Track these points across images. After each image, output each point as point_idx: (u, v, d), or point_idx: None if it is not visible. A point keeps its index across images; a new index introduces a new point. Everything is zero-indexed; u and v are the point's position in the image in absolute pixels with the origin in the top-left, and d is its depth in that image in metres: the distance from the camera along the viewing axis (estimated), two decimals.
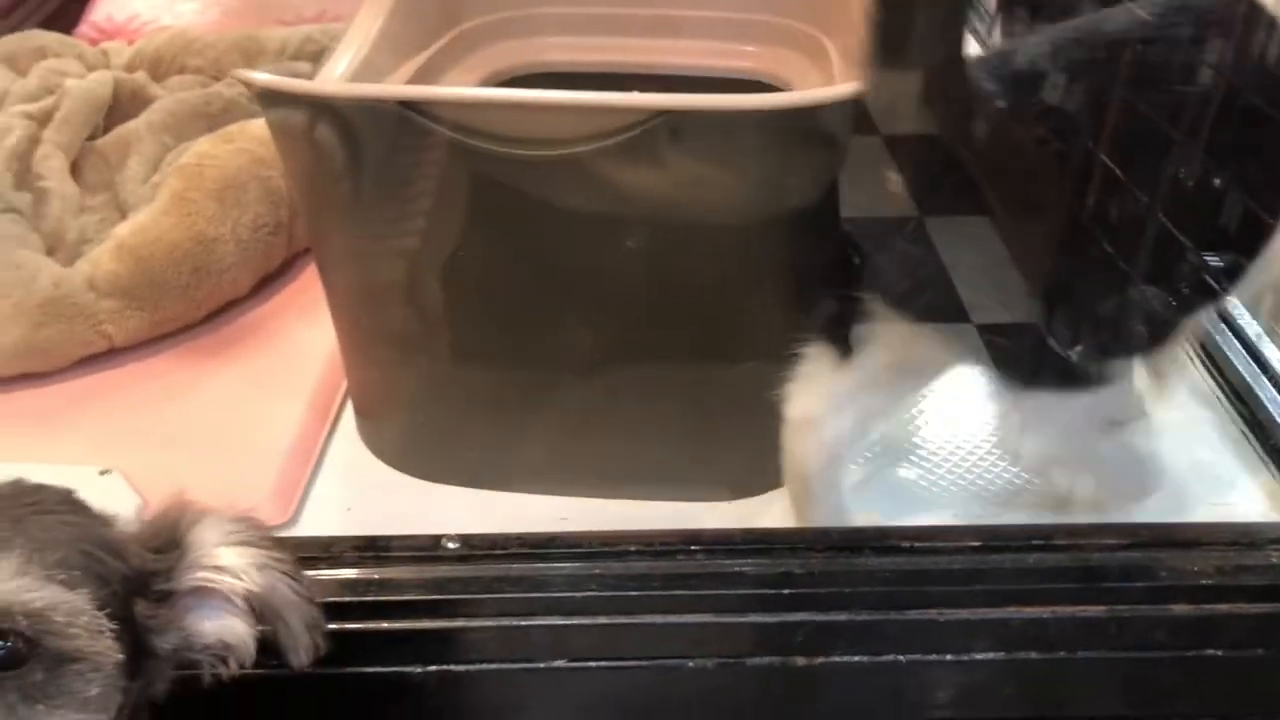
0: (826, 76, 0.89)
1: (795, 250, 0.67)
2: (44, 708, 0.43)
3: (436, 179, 0.63)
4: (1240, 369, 0.83)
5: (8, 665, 0.42)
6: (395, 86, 0.72)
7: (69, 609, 0.43)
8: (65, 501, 0.49)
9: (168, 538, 0.50)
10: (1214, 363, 0.85)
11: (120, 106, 1.04)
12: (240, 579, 0.50)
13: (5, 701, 0.42)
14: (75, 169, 0.97)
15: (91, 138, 1.00)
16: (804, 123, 0.62)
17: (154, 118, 1.01)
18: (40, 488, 0.49)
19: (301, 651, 0.52)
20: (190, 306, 0.85)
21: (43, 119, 0.98)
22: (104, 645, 0.44)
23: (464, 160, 0.60)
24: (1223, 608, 0.63)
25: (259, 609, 0.50)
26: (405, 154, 0.62)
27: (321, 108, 0.61)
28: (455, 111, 0.58)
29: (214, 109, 1.03)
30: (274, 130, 0.68)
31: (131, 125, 1.01)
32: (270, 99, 0.64)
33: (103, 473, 0.72)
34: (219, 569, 0.50)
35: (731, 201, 0.64)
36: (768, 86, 0.93)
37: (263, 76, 0.63)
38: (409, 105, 0.58)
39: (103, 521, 0.49)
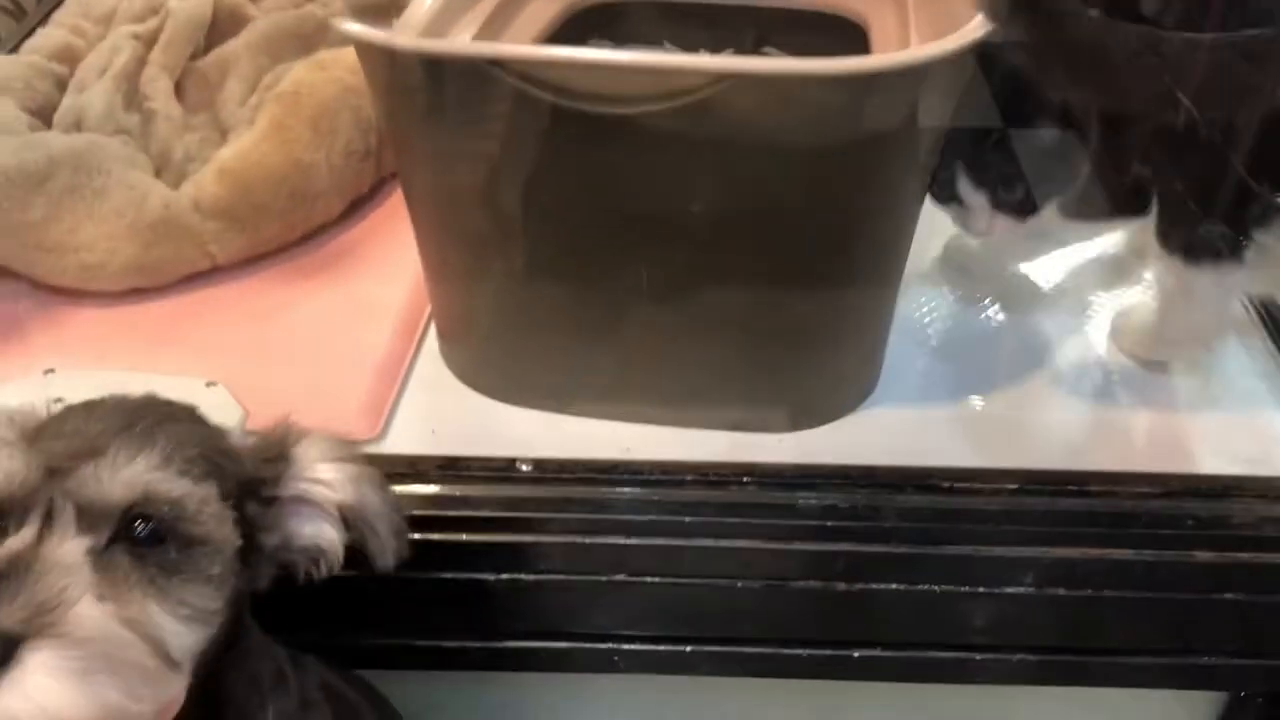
0: (902, 17, 0.91)
1: (864, 201, 0.70)
2: (178, 580, 0.50)
3: (516, 123, 0.66)
4: None
5: (150, 542, 0.49)
6: (481, 45, 0.75)
7: (200, 499, 0.51)
8: (191, 413, 0.57)
9: (276, 451, 0.56)
10: (1274, 326, 0.86)
11: (220, 26, 1.08)
12: (334, 491, 0.57)
13: (148, 573, 0.49)
14: (178, 89, 1.02)
15: (192, 58, 1.05)
16: (866, 86, 0.64)
17: (251, 39, 1.05)
18: (170, 401, 0.56)
19: (389, 555, 0.58)
20: (287, 229, 0.90)
21: (149, 39, 1.02)
22: (226, 532, 0.52)
23: (543, 109, 0.64)
24: (1244, 555, 0.67)
25: (350, 518, 0.57)
26: (488, 100, 0.66)
27: (408, 56, 0.65)
28: (536, 68, 0.62)
29: (307, 29, 1.07)
30: (365, 71, 0.72)
31: (230, 46, 1.05)
32: (360, 47, 0.68)
33: (209, 384, 0.78)
34: (317, 481, 0.56)
35: (798, 149, 0.67)
36: (846, 22, 0.95)
37: (353, 27, 0.67)
38: (494, 61, 0.62)
39: (221, 432, 0.56)
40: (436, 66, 0.65)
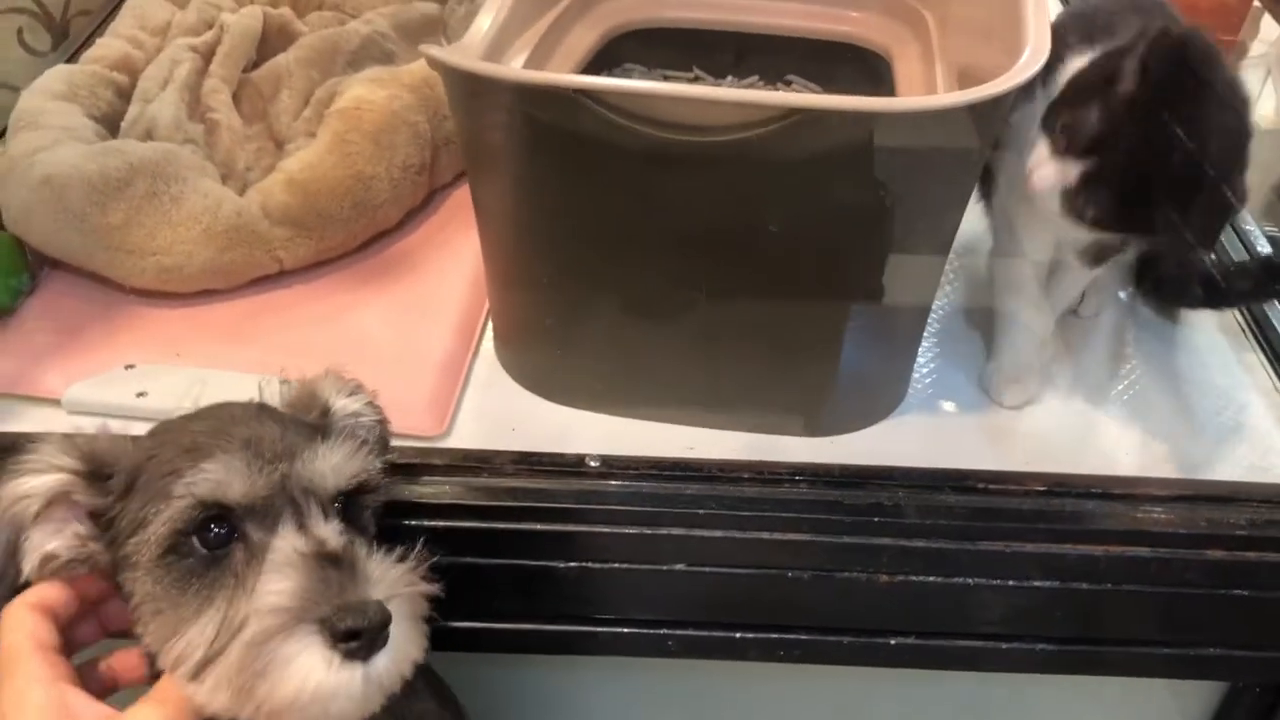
0: (926, 47, 0.97)
1: (908, 223, 0.76)
2: (370, 539, 0.58)
3: (592, 148, 0.71)
4: None
5: (347, 515, 0.57)
6: (560, 76, 0.81)
7: (375, 469, 0.60)
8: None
9: (319, 405, 0.63)
10: (1265, 337, 0.93)
11: (269, 40, 1.13)
12: (366, 417, 0.65)
13: (350, 535, 0.56)
14: (234, 100, 1.07)
15: (244, 70, 1.10)
16: (933, 122, 0.70)
17: (301, 54, 1.10)
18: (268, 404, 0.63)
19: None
20: (349, 237, 0.95)
21: (206, 53, 1.07)
22: (385, 486, 0.61)
23: (620, 136, 0.69)
24: (1252, 555, 0.74)
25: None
26: (569, 126, 0.71)
27: (491, 82, 0.71)
28: (619, 99, 0.67)
29: (352, 45, 1.12)
30: (447, 91, 0.77)
31: (280, 60, 1.10)
32: (445, 71, 0.73)
33: (283, 382, 0.83)
34: (355, 415, 0.64)
35: (850, 179, 0.72)
36: (868, 53, 1.01)
37: (434, 51, 0.72)
38: (582, 91, 0.68)
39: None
40: (521, 93, 0.71)
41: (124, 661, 0.60)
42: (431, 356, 0.87)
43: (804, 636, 0.78)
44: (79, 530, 0.56)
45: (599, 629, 0.78)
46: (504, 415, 0.84)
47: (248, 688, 0.50)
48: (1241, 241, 1.00)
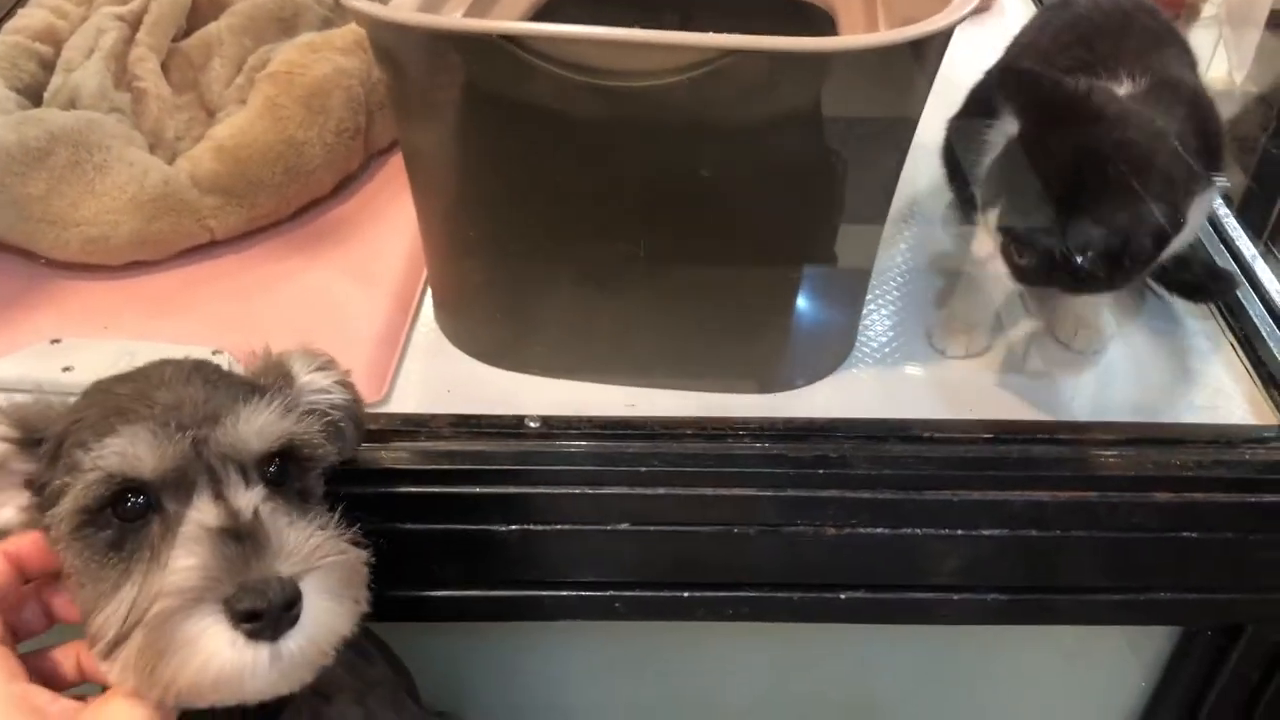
0: (870, 3, 0.96)
1: (847, 175, 0.74)
2: (312, 503, 0.56)
3: (521, 97, 0.69)
4: (1245, 304, 0.90)
5: (280, 480, 0.54)
6: (493, 22, 0.79)
7: (312, 429, 0.56)
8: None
9: (280, 375, 0.60)
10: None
11: (200, 8, 1.10)
12: (333, 395, 0.61)
13: (294, 503, 0.54)
14: (163, 69, 1.04)
15: (174, 39, 1.07)
16: (865, 64, 0.69)
17: (233, 21, 1.07)
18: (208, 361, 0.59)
19: (355, 445, 0.64)
20: (281, 203, 0.93)
21: (133, 21, 1.04)
22: (328, 450, 0.58)
23: (549, 83, 0.67)
24: (1199, 496, 0.73)
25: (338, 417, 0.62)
26: (495, 75, 0.69)
27: (419, 33, 0.69)
28: (547, 44, 0.66)
29: (287, 12, 1.09)
30: (371, 46, 0.75)
31: (212, 28, 1.07)
32: (368, 23, 0.71)
33: (215, 353, 0.81)
34: (321, 390, 0.61)
35: (788, 128, 0.71)
36: (815, 10, 1.00)
37: (362, 4, 0.70)
38: (506, 37, 0.66)
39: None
40: (445, 42, 0.69)
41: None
42: (369, 324, 0.85)
43: (753, 594, 0.77)
44: (21, 501, 0.55)
45: (545, 593, 0.77)
46: (444, 381, 0.82)
47: (151, 669, 0.48)
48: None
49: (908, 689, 0.94)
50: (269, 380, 0.59)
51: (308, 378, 0.60)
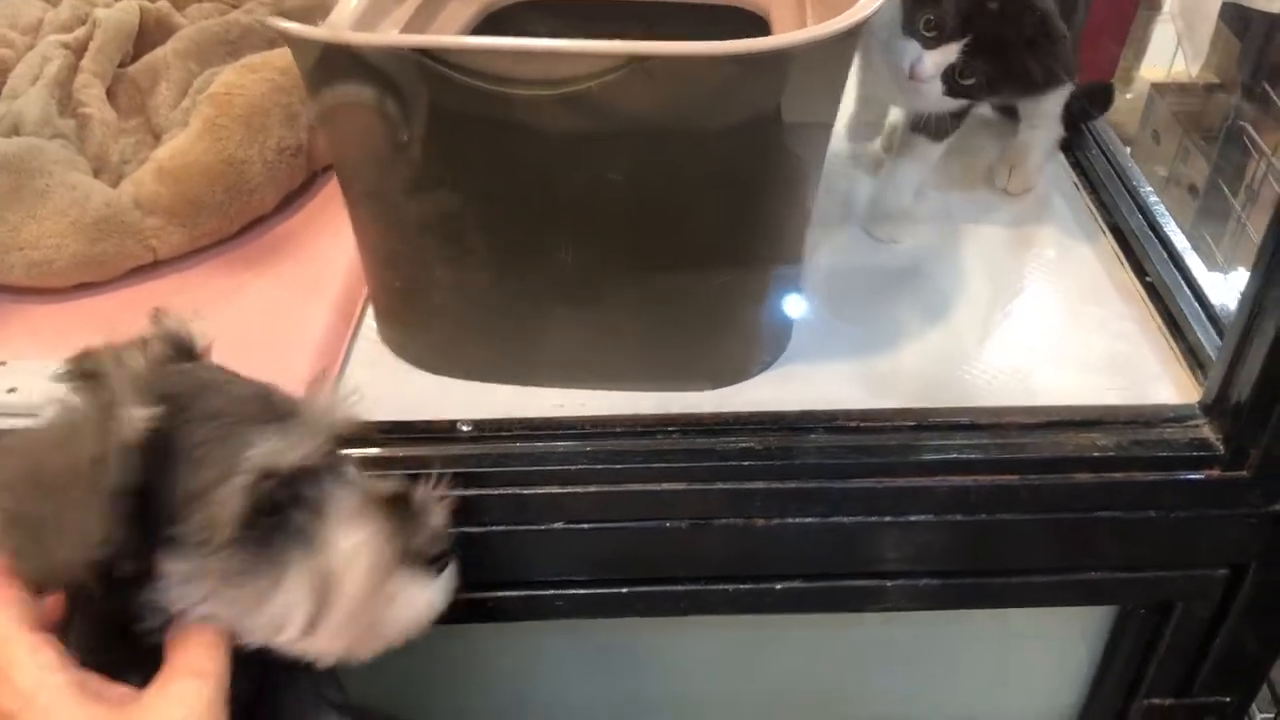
0: (800, 6, 0.97)
1: (767, 171, 0.76)
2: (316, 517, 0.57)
3: (439, 110, 0.71)
4: (1164, 276, 0.92)
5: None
6: (405, 36, 0.81)
7: None
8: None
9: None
10: (1140, 268, 0.95)
11: (147, 34, 1.11)
12: None
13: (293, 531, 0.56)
14: (109, 95, 1.05)
15: (121, 65, 1.09)
16: (771, 65, 0.70)
17: (179, 45, 1.09)
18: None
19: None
20: (224, 222, 0.94)
21: (78, 49, 1.05)
22: None
23: (463, 95, 0.69)
24: (1118, 476, 0.75)
25: None
26: (412, 89, 0.70)
27: (339, 50, 0.70)
28: (457, 56, 0.67)
29: (233, 35, 1.11)
30: (297, 64, 0.77)
31: (159, 53, 1.08)
32: (291, 42, 0.73)
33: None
34: None
35: (708, 130, 0.72)
36: (752, 16, 1.01)
37: (284, 24, 0.72)
38: (418, 50, 0.67)
39: None
40: (361, 58, 0.70)
41: None
42: (309, 337, 0.87)
43: (691, 587, 0.79)
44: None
45: (485, 594, 0.78)
46: (385, 391, 0.83)
47: (369, 631, 0.55)
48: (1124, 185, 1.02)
49: (858, 676, 0.96)
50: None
51: None
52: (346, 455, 0.60)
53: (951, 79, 0.86)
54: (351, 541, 0.55)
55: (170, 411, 0.53)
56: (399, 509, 0.57)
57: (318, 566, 0.54)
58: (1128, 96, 1.70)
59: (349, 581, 0.54)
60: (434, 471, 0.62)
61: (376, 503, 0.56)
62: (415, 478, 0.61)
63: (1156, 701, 0.89)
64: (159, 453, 0.52)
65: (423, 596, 0.57)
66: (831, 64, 0.73)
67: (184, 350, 0.62)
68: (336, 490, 0.56)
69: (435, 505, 0.59)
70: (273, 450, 0.53)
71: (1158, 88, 1.67)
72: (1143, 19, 1.60)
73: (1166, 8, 1.56)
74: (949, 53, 0.85)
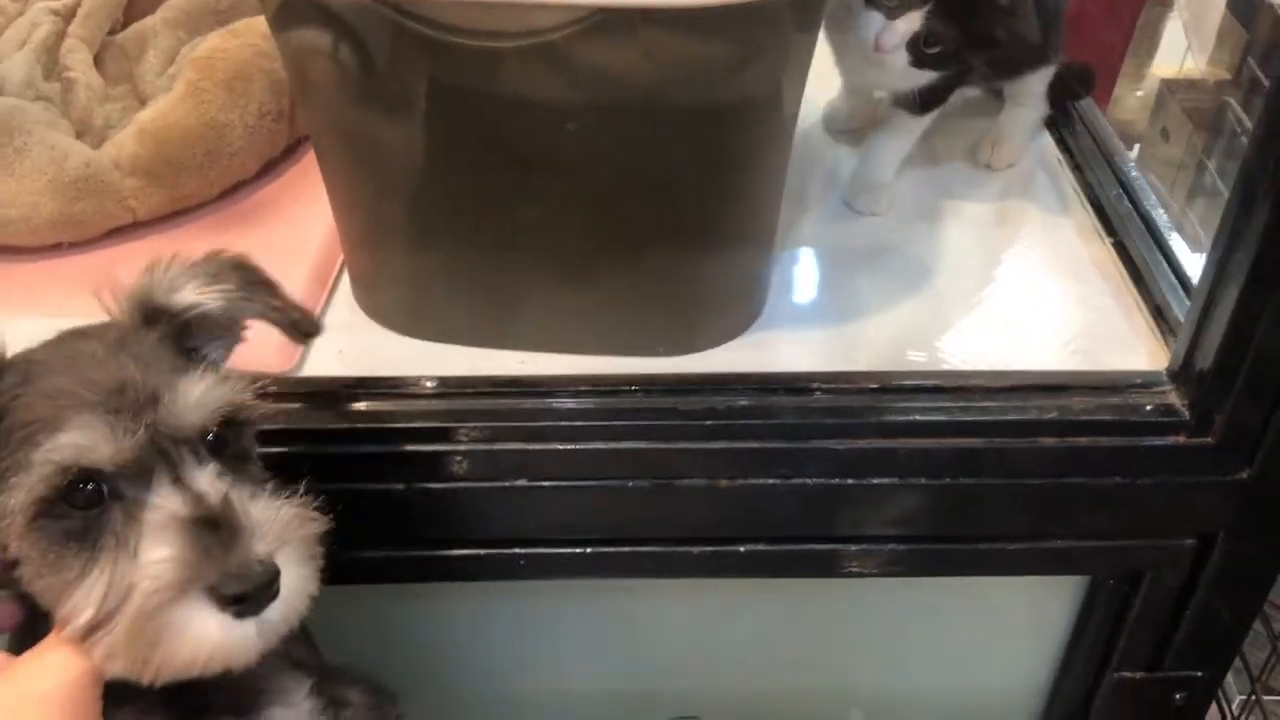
0: None
1: (737, 136, 0.76)
2: (246, 466, 0.57)
3: (400, 62, 0.70)
4: (1144, 252, 0.91)
5: (219, 447, 0.55)
6: None
7: (247, 392, 0.57)
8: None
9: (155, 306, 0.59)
10: (1120, 244, 0.94)
11: (137, 2, 1.12)
12: (206, 304, 0.60)
13: (245, 469, 0.56)
14: (97, 62, 1.06)
15: (111, 32, 1.09)
16: (734, 20, 0.70)
17: (169, 14, 1.09)
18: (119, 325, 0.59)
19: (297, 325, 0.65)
20: (204, 185, 0.95)
21: (67, 15, 1.06)
22: (259, 409, 0.58)
23: (424, 46, 0.68)
24: (1083, 440, 0.74)
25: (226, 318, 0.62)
26: (374, 40, 0.70)
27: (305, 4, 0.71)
28: (416, 5, 0.67)
29: (223, 5, 1.11)
30: (267, 20, 0.77)
31: (148, 21, 1.09)
32: None
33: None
34: (194, 305, 0.60)
35: (677, 91, 0.72)
36: None
37: None
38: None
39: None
40: (325, 8, 0.70)
41: None
42: None
43: (655, 549, 0.79)
44: None
45: (449, 552, 0.78)
46: (356, 351, 0.84)
47: (142, 657, 0.51)
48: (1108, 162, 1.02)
49: (824, 645, 0.95)
50: (158, 325, 0.59)
51: (175, 299, 0.59)
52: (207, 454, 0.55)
53: (917, 48, 0.85)
54: (152, 556, 0.51)
55: (11, 385, 0.53)
56: (217, 536, 0.51)
57: (121, 574, 0.51)
58: (1138, 94, 1.69)
59: (136, 597, 0.50)
60: (304, 483, 0.58)
61: (194, 523, 0.51)
62: (290, 486, 0.57)
63: (1128, 675, 0.88)
64: None
65: (212, 634, 0.50)
66: (795, 23, 0.73)
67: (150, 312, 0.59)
68: (157, 499, 0.52)
69: (268, 537, 0.52)
70: (77, 448, 0.50)
71: (1168, 84, 1.66)
72: (1154, 16, 1.59)
73: (1177, 4, 1.54)
74: (912, 20, 0.84)
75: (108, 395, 0.52)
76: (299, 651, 0.70)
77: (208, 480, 0.53)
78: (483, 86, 0.71)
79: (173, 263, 0.60)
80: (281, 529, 0.53)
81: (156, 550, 0.50)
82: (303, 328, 0.65)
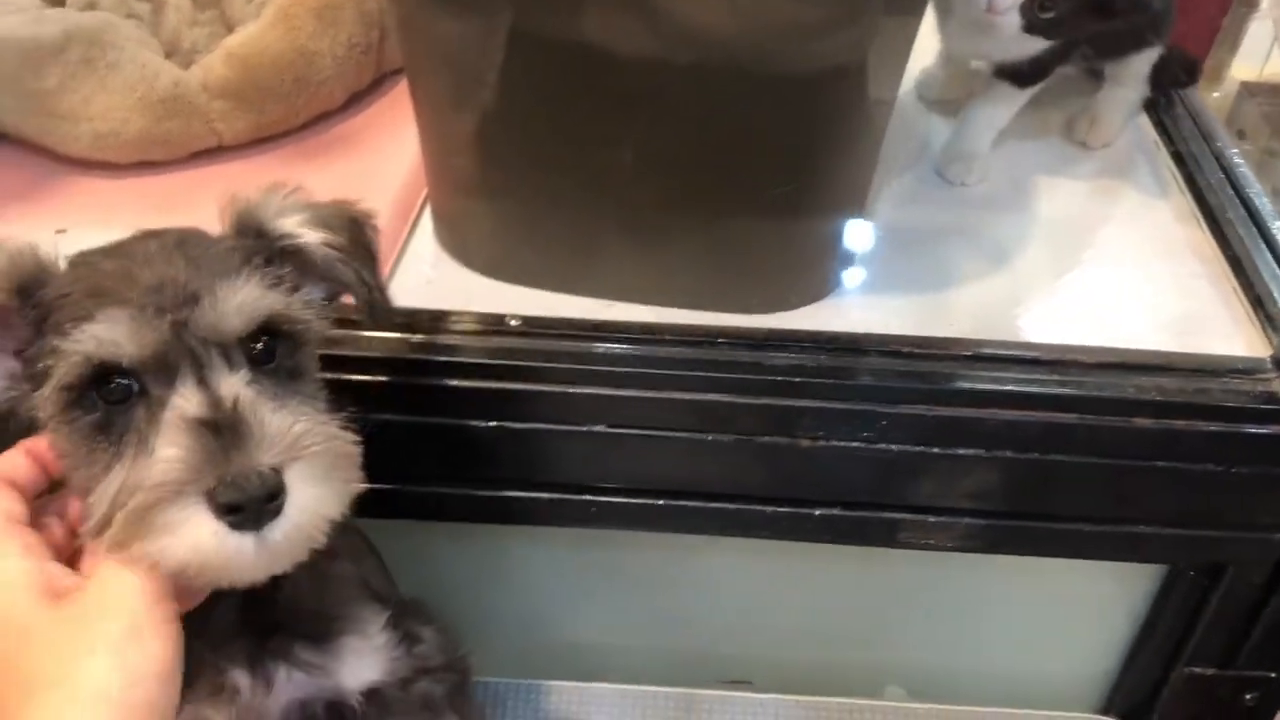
0: None
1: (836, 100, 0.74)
2: (303, 381, 0.55)
3: (515, 8, 0.70)
4: (1245, 237, 0.88)
5: (267, 359, 0.54)
6: None
7: (300, 303, 0.55)
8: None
9: (254, 229, 0.58)
10: (1219, 229, 0.91)
11: None
12: (300, 237, 0.58)
13: (285, 383, 0.54)
14: None
15: None
16: None
17: None
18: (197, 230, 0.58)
19: (355, 281, 0.61)
20: (290, 113, 0.94)
21: None
22: (319, 325, 0.57)
23: None
24: (1180, 423, 0.72)
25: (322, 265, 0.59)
26: None
27: None
28: None
29: None
30: None
31: None
32: None
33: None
34: (293, 235, 0.58)
35: (778, 55, 0.70)
36: None
37: None
38: None
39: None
40: None
41: None
42: None
43: (727, 505, 0.77)
44: (11, 368, 0.55)
45: (521, 494, 0.77)
46: (438, 289, 0.83)
47: (140, 551, 0.49)
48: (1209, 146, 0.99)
49: (886, 619, 0.94)
50: (248, 237, 0.58)
51: (278, 225, 0.58)
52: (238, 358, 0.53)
53: (1031, 12, 0.83)
54: (161, 454, 0.49)
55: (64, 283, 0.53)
56: (223, 441, 0.49)
57: (138, 470, 0.50)
58: (1215, 95, 1.65)
59: (139, 494, 0.49)
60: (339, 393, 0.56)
61: (205, 425, 0.49)
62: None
63: (1198, 670, 0.87)
64: (39, 325, 0.53)
65: (206, 541, 0.48)
66: None
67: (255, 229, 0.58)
68: (178, 398, 0.50)
69: (275, 449, 0.50)
70: (101, 341, 0.50)
71: (1248, 86, 1.62)
72: (1239, 16, 1.55)
73: (1263, 4, 1.50)
74: None
75: (144, 292, 0.51)
76: (377, 582, 0.69)
77: (229, 385, 0.51)
78: (579, 31, 0.70)
79: (294, 192, 0.59)
80: (292, 443, 0.50)
81: (166, 449, 0.49)
82: (377, 314, 0.62)
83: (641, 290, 0.81)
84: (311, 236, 0.58)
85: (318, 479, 0.51)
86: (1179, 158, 1.01)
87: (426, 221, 0.89)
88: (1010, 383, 0.73)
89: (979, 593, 0.91)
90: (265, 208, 0.58)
